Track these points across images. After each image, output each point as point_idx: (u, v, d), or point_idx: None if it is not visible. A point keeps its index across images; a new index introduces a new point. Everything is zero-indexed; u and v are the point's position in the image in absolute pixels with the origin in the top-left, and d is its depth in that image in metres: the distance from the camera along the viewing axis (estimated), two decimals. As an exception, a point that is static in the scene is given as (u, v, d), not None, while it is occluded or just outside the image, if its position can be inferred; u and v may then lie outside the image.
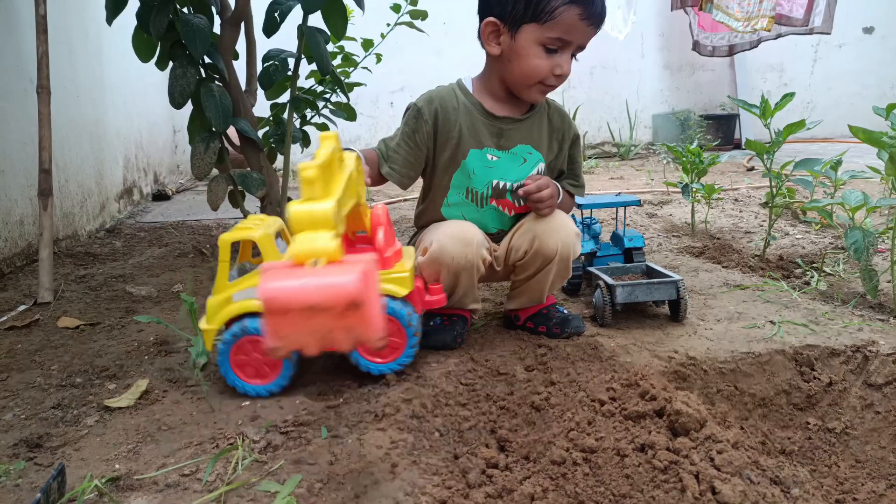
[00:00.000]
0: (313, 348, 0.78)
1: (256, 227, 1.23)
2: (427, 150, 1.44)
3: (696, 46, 5.30)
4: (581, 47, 1.39)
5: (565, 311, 1.52)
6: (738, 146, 5.53)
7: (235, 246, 1.25)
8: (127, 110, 3.53)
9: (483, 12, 1.40)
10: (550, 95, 1.50)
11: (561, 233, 1.38)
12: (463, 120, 1.42)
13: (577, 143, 1.58)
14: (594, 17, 1.34)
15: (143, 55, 2.04)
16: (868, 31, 6.05)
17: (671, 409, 0.94)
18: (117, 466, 0.99)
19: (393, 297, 1.23)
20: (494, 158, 1.44)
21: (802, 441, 1.26)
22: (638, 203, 1.89)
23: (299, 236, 0.81)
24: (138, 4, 1.95)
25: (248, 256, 1.34)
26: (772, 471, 0.88)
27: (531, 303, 1.50)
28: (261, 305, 0.76)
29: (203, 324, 1.22)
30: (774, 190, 2.13)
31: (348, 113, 2.53)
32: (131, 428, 1.12)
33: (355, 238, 1.33)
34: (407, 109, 1.45)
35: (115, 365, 1.39)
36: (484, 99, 1.46)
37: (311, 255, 0.79)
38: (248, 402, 1.19)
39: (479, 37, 1.42)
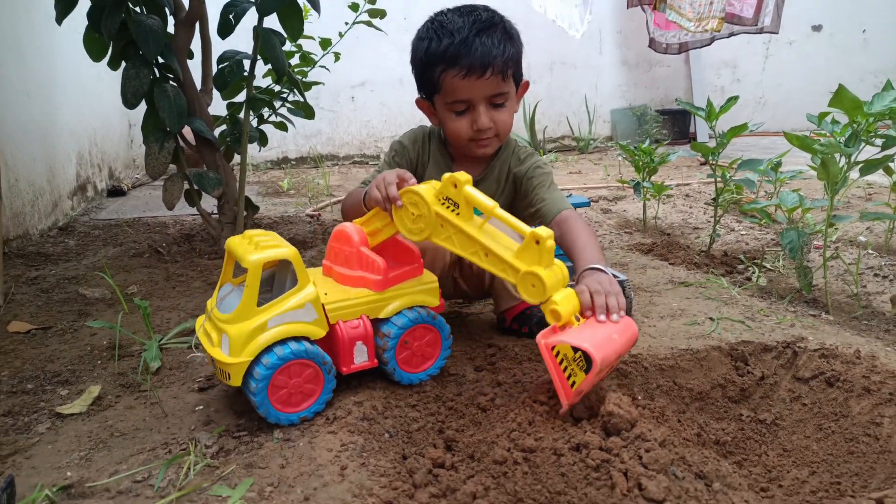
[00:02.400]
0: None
1: (267, 243, 1.12)
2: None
3: (652, 44, 5.41)
4: (491, 96, 1.39)
5: None
6: (693, 139, 5.67)
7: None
8: (80, 106, 3.46)
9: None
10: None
11: None
12: (433, 164, 1.57)
13: (536, 173, 1.53)
14: (475, 69, 1.33)
15: (95, 55, 2.02)
16: (816, 28, 6.25)
17: (604, 411, 1.00)
18: (69, 474, 1.01)
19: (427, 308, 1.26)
20: None
21: (735, 432, 1.33)
22: (587, 204, 1.95)
23: (561, 300, 1.08)
24: (89, 4, 1.93)
25: (229, 276, 1.23)
26: (697, 466, 0.94)
27: (510, 301, 1.53)
28: (597, 364, 0.98)
29: (229, 357, 1.07)
30: (721, 186, 2.21)
31: (306, 111, 2.54)
32: (83, 434, 1.13)
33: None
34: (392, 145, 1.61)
35: (67, 370, 1.39)
36: (454, 151, 1.57)
37: (574, 312, 1.09)
38: (201, 407, 1.21)
39: None
